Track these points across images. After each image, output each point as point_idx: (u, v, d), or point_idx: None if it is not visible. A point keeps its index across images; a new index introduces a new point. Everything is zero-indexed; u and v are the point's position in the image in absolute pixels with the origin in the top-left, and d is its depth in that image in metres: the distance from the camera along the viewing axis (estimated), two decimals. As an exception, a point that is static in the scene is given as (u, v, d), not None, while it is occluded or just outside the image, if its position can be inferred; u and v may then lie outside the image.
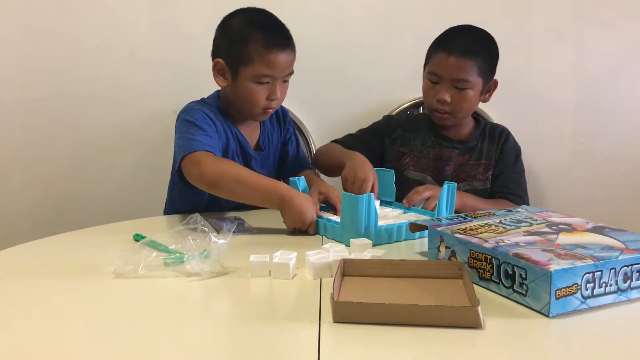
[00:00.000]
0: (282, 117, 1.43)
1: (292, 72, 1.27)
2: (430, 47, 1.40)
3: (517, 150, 1.45)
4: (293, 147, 1.45)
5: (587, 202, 1.80)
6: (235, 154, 1.30)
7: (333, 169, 1.37)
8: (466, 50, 1.32)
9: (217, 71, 1.26)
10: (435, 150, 1.44)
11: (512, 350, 0.63)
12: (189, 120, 1.21)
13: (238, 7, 1.67)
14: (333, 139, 1.49)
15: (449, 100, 1.34)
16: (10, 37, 1.64)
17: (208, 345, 0.63)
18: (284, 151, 1.44)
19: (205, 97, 1.36)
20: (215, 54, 1.28)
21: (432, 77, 1.36)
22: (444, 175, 1.41)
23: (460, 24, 1.39)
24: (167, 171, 1.70)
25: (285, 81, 1.27)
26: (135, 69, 1.68)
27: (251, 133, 1.35)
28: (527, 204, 1.38)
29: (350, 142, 1.46)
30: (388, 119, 1.56)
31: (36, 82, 1.67)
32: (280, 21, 1.25)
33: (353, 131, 1.52)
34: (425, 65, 1.41)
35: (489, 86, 1.39)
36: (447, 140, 1.44)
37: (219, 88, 1.33)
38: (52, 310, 0.74)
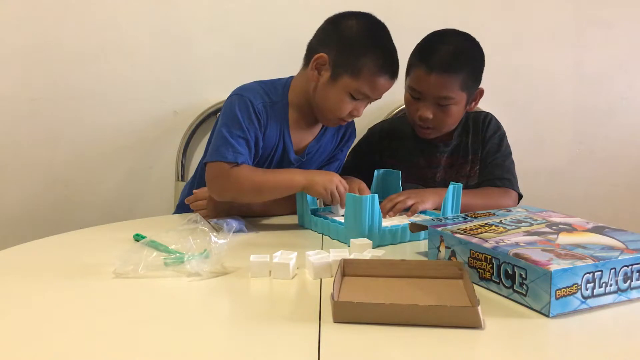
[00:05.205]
0: (347, 137, 1.35)
1: None
2: (410, 56, 1.31)
3: (500, 134, 1.39)
4: (333, 168, 1.34)
5: (587, 202, 1.80)
6: (274, 157, 1.23)
7: None
8: (448, 66, 1.24)
9: (317, 65, 1.16)
10: (423, 157, 1.40)
11: (512, 350, 0.63)
12: (236, 114, 1.13)
13: (240, 7, 1.68)
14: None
15: (431, 117, 1.28)
16: (11, 37, 1.64)
17: (208, 345, 0.63)
18: (328, 163, 1.35)
19: (274, 80, 1.26)
20: (318, 45, 1.17)
21: (413, 92, 1.30)
22: (435, 182, 1.37)
23: (451, 26, 1.32)
24: (167, 171, 1.71)
25: None
26: (135, 69, 1.69)
27: (303, 137, 1.27)
28: (516, 187, 1.34)
29: (345, 173, 1.39)
30: (372, 132, 1.50)
31: (36, 82, 1.67)
32: (393, 42, 1.18)
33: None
34: (406, 74, 1.32)
35: (475, 96, 1.33)
36: (433, 146, 1.39)
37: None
38: (51, 310, 0.73)
